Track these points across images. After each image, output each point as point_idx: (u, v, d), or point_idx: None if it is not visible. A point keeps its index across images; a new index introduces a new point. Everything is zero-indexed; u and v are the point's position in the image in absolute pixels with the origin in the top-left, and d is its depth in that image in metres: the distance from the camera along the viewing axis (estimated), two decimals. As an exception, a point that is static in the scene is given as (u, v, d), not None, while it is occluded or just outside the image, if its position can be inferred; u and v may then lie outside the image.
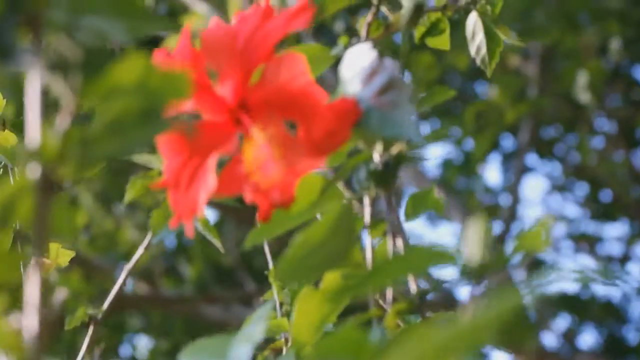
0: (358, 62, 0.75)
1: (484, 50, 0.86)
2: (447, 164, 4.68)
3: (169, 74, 0.48)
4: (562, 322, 4.78)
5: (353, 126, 0.71)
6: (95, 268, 4.51)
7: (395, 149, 0.75)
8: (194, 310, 4.22)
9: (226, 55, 0.71)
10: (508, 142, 4.56)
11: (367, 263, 0.78)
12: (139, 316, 4.91)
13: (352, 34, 0.82)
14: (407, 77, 4.31)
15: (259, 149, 0.70)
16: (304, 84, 0.71)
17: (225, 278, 4.61)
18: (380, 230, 0.80)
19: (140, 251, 0.85)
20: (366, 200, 0.80)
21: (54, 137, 0.45)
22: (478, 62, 0.87)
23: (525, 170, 4.15)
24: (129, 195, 0.82)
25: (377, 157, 0.76)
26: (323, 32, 3.72)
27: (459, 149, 4.62)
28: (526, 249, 0.53)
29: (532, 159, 4.56)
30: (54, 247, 0.98)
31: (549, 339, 4.44)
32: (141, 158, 0.81)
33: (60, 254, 0.98)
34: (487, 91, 3.98)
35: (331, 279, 0.77)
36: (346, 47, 0.80)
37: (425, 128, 4.70)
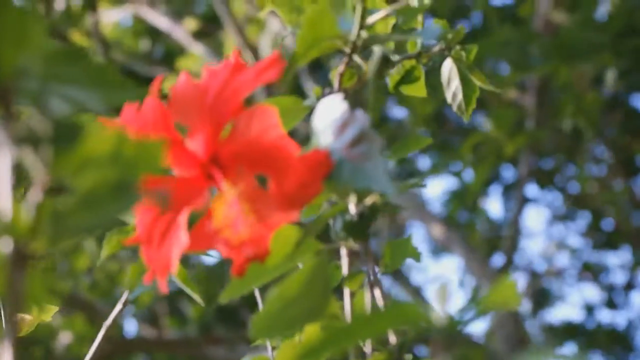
0: (330, 114, 0.74)
1: (460, 96, 0.86)
2: (450, 198, 4.68)
3: (143, 144, 0.48)
4: (569, 350, 4.76)
5: (325, 178, 0.70)
6: (99, 312, 4.50)
7: (369, 200, 0.74)
8: (199, 352, 4.21)
9: (196, 110, 0.70)
10: (508, 173, 4.56)
11: (345, 315, 0.77)
12: (144, 358, 4.90)
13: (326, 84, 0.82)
14: (403, 113, 4.32)
15: (228, 205, 0.70)
16: (276, 137, 0.70)
17: (229, 317, 4.60)
18: (358, 281, 0.79)
19: (118, 307, 0.84)
20: (343, 252, 0.80)
21: (26, 212, 0.44)
22: (454, 108, 0.87)
23: (525, 201, 4.13)
24: (105, 251, 0.81)
25: (352, 208, 0.75)
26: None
27: (460, 181, 4.62)
28: (495, 305, 0.52)
29: (532, 189, 4.56)
30: (35, 302, 0.97)
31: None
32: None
33: (44, 310, 0.97)
34: (486, 123, 3.97)
35: (311, 331, 0.77)
36: (319, 98, 0.79)
37: (425, 161, 4.71)
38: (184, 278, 0.83)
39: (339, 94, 0.78)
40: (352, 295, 0.80)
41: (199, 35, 4.21)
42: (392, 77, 0.84)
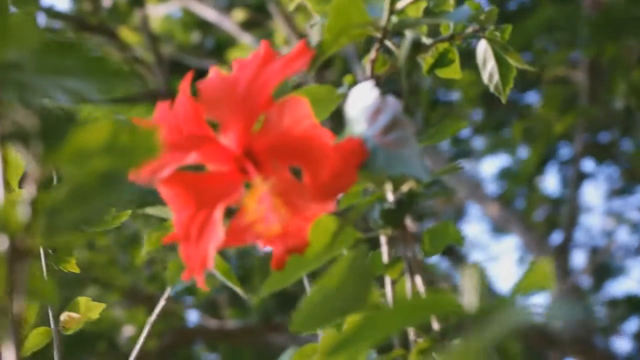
0: (362, 101, 0.74)
1: (496, 77, 0.85)
2: (505, 177, 4.64)
3: (138, 133, 0.47)
4: (633, 325, 4.72)
5: (360, 167, 0.70)
6: (136, 295, 4.54)
7: (405, 187, 0.74)
8: (260, 340, 4.23)
9: (227, 105, 0.70)
10: (564, 150, 4.52)
11: (387, 303, 0.77)
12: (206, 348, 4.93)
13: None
14: (453, 96, 4.30)
15: (260, 199, 0.69)
16: (308, 127, 0.70)
17: (290, 305, 4.61)
18: (399, 269, 0.78)
19: (161, 303, 0.85)
20: (383, 240, 0.79)
21: (18, 209, 0.44)
22: (492, 89, 0.85)
23: (582, 176, 4.09)
24: (146, 248, 0.81)
25: (390, 196, 0.75)
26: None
27: (514, 160, 4.59)
28: (530, 289, 0.51)
29: (589, 165, 4.51)
30: (83, 301, 0.98)
31: (620, 343, 4.38)
32: (154, 210, 0.81)
33: (90, 308, 0.98)
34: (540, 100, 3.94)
35: (353, 321, 0.76)
36: (351, 86, 0.79)
37: (480, 142, 4.68)
38: (225, 271, 0.83)
39: (370, 81, 0.77)
40: (394, 283, 0.79)
41: (248, 25, 4.21)
42: (426, 60, 0.83)
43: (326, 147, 0.69)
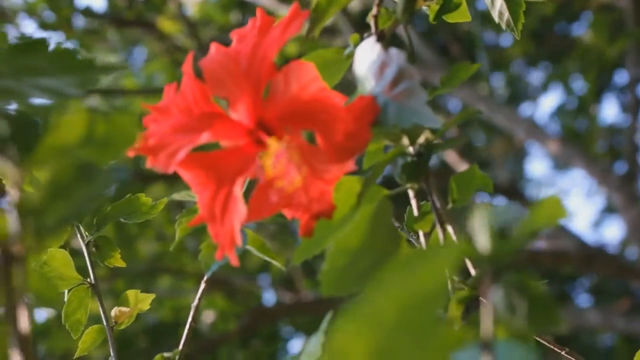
0: (367, 59, 0.73)
1: (506, 14, 0.83)
2: (562, 112, 4.59)
3: (115, 122, 0.47)
4: None
5: (373, 124, 0.69)
6: (236, 286, 4.58)
7: (422, 139, 0.73)
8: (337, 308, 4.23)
9: (232, 79, 0.69)
10: (620, 78, 4.45)
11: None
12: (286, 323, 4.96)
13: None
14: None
15: (277, 156, 0.69)
16: (316, 90, 0.69)
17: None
18: (429, 221, 0.78)
19: (202, 286, 0.85)
20: (411, 194, 0.79)
21: (3, 214, 0.44)
22: (504, 26, 0.84)
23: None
24: (179, 234, 0.81)
25: (410, 149, 0.74)
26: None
27: (571, 94, 4.53)
28: (541, 225, 0.50)
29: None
30: (132, 294, 0.99)
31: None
32: (180, 195, 0.81)
33: (140, 299, 0.99)
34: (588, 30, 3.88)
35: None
36: (356, 45, 0.78)
37: (538, 75, 4.63)
38: (259, 246, 0.83)
39: (372, 37, 0.76)
40: (427, 236, 0.79)
41: (285, -2, 4.20)
42: (431, 8, 0.82)
43: (337, 108, 0.69)
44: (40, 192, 0.44)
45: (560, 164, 4.84)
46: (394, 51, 0.70)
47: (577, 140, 4.31)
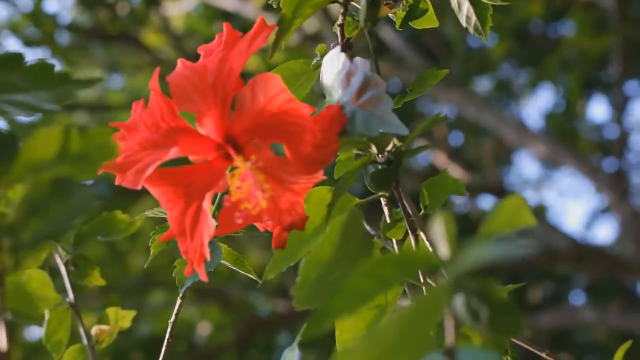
0: (333, 68, 0.73)
1: (473, 18, 0.83)
2: (550, 111, 4.60)
3: (91, 136, 0.47)
4: None
5: (341, 134, 0.69)
6: (229, 296, 4.57)
7: (390, 147, 0.73)
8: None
9: (199, 94, 0.69)
10: (606, 75, 4.45)
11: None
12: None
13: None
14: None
15: (242, 178, 0.69)
16: (283, 103, 0.69)
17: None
18: (402, 229, 0.77)
19: (178, 302, 0.84)
20: (383, 201, 0.78)
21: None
22: (471, 31, 0.84)
23: (627, 99, 4.03)
24: (153, 250, 0.81)
25: (379, 157, 0.74)
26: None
27: (557, 94, 4.54)
28: (501, 231, 0.50)
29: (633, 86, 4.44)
30: (112, 311, 0.98)
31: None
32: (152, 212, 0.81)
33: (121, 317, 0.98)
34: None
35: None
36: (323, 56, 0.78)
37: (520, 77, 4.63)
38: (233, 260, 0.82)
39: (337, 47, 0.76)
40: (400, 244, 0.79)
41: (270, 7, 4.19)
42: (397, 15, 0.81)
43: (305, 119, 0.69)
44: (15, 209, 0.44)
45: (550, 164, 4.84)
46: (358, 60, 0.70)
47: (566, 139, 4.31)
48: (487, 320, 0.49)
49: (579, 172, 3.83)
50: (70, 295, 0.97)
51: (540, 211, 4.55)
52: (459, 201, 4.58)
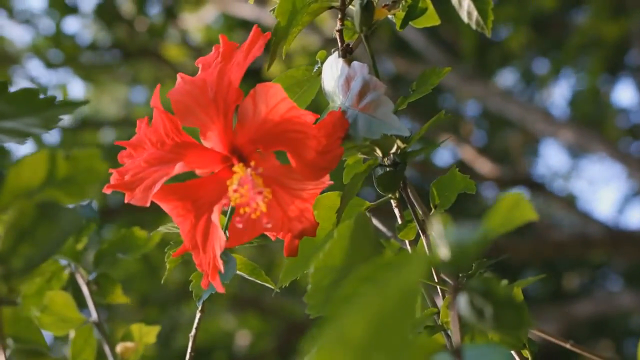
0: (333, 74, 0.73)
1: (475, 13, 0.83)
2: (575, 98, 4.57)
3: (78, 159, 0.47)
4: None
5: (344, 139, 0.69)
6: (267, 304, 4.57)
7: (394, 148, 0.73)
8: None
9: (200, 109, 0.69)
10: (630, 59, 4.42)
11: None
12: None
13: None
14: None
15: (241, 181, 0.69)
16: (286, 110, 0.69)
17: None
18: (413, 230, 0.77)
19: (197, 315, 0.84)
20: (393, 203, 0.78)
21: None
22: (473, 26, 0.83)
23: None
24: (169, 265, 0.81)
25: (385, 160, 0.74)
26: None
27: (580, 80, 4.51)
28: (501, 227, 0.50)
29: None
30: (136, 328, 0.99)
31: None
32: (165, 227, 0.81)
33: (145, 333, 0.99)
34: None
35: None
36: (323, 62, 0.78)
37: (542, 67, 4.61)
38: (249, 270, 0.82)
39: (335, 53, 0.76)
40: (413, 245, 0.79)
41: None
42: (397, 16, 0.81)
43: (308, 126, 0.69)
44: (3, 237, 0.44)
45: (579, 151, 4.81)
46: (356, 64, 0.70)
47: (594, 125, 4.28)
48: (491, 318, 0.49)
49: (609, 158, 3.81)
50: (94, 315, 0.98)
51: (571, 200, 4.52)
52: (492, 195, 4.56)
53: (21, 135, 0.51)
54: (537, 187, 4.14)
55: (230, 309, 4.52)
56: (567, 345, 0.84)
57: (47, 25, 4.08)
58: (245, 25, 4.51)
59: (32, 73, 4.20)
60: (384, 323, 0.42)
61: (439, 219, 0.51)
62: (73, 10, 4.01)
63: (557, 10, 4.17)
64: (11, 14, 4.04)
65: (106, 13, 4.02)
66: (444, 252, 0.50)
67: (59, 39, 3.95)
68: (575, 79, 4.49)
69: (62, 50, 3.96)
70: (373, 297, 0.42)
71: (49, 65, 3.96)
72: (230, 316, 4.67)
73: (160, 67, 4.18)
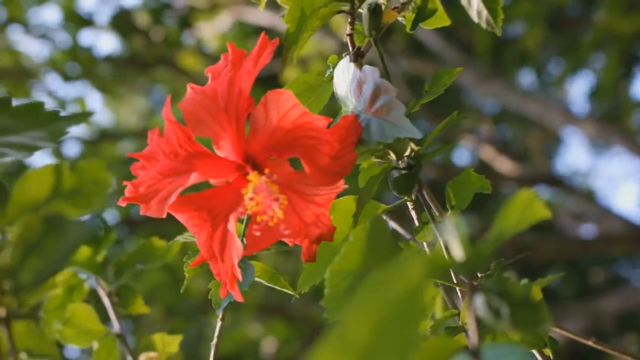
0: (345, 78, 0.73)
1: (484, 12, 0.83)
2: (593, 93, 4.56)
3: (84, 171, 0.47)
4: None
5: (357, 143, 0.69)
6: (293, 311, 4.57)
7: (408, 151, 0.73)
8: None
9: (212, 117, 0.69)
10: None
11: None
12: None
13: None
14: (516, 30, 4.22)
15: (255, 191, 0.69)
16: (297, 117, 0.69)
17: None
18: (430, 231, 0.77)
19: (218, 324, 0.85)
20: (410, 205, 0.78)
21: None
22: (483, 25, 0.83)
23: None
24: (188, 276, 0.81)
25: (399, 163, 0.74)
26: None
27: (597, 76, 4.49)
28: (514, 227, 0.50)
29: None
30: (159, 338, 0.99)
31: None
32: (182, 237, 0.81)
33: (168, 342, 0.99)
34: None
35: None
36: (334, 67, 0.78)
37: (559, 64, 4.60)
38: (269, 277, 0.82)
39: (346, 57, 0.76)
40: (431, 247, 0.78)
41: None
42: (406, 18, 0.81)
43: (321, 131, 0.69)
44: (10, 252, 0.44)
45: (599, 146, 4.79)
46: (367, 68, 0.70)
47: (612, 120, 4.26)
48: (508, 317, 0.49)
49: (628, 152, 3.79)
50: (116, 326, 0.99)
51: (591, 196, 4.50)
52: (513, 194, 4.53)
53: (27, 149, 0.51)
54: (558, 185, 4.13)
55: (257, 318, 4.53)
56: (590, 342, 0.84)
57: (63, 38, 4.10)
58: (260, 32, 4.52)
59: (50, 87, 4.23)
60: (386, 326, 0.41)
61: (452, 219, 0.50)
62: (89, 22, 4.02)
63: (571, 7, 4.16)
64: (27, 29, 4.06)
65: (121, 24, 4.04)
66: (457, 253, 0.50)
67: (75, 51, 3.97)
68: (592, 75, 4.47)
69: (79, 63, 3.97)
70: (373, 300, 0.41)
71: (67, 78, 3.98)
72: (257, 324, 4.67)
73: (177, 76, 4.19)
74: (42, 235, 0.45)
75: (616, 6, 3.39)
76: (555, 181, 4.13)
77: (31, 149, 0.51)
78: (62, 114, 0.52)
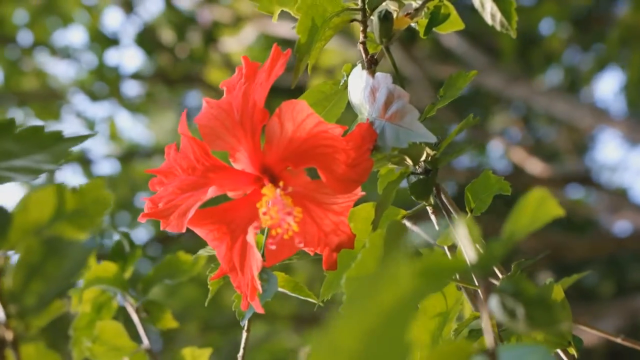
0: (358, 86, 0.73)
1: (498, 15, 0.83)
2: (623, 90, 4.53)
3: (86, 192, 0.48)
4: None
5: (373, 150, 0.69)
6: (303, 318, 4.58)
7: (424, 156, 0.73)
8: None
9: (228, 131, 0.70)
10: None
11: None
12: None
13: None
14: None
15: (272, 202, 0.69)
16: (313, 126, 0.69)
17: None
18: (450, 235, 0.77)
19: (244, 336, 0.85)
20: (429, 210, 0.78)
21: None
22: (498, 28, 0.83)
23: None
24: (212, 289, 0.82)
25: (416, 168, 0.74)
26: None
27: (624, 72, 4.47)
28: (527, 227, 0.50)
29: None
30: (189, 352, 0.99)
31: None
32: (204, 250, 0.81)
33: (197, 356, 0.99)
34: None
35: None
36: (348, 75, 0.78)
37: (585, 62, 4.57)
38: (292, 287, 0.83)
39: (359, 65, 0.76)
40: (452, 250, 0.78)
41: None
42: (420, 23, 0.81)
43: (336, 140, 0.69)
44: (14, 276, 0.45)
45: (631, 143, 4.76)
46: (380, 75, 0.70)
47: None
48: (523, 318, 0.49)
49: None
50: (146, 341, 0.99)
51: (623, 193, 4.47)
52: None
53: (32, 173, 0.52)
54: (591, 183, 4.11)
55: (293, 328, 4.54)
56: (618, 340, 0.83)
57: (89, 59, 4.13)
58: (285, 44, 4.52)
59: (78, 107, 4.26)
60: (375, 333, 0.41)
61: (464, 222, 0.50)
62: (114, 42, 4.05)
63: (596, 5, 4.14)
64: (53, 51, 4.09)
65: (147, 42, 4.06)
66: (470, 255, 0.50)
67: (102, 71, 3.99)
68: (619, 72, 4.44)
69: (106, 83, 4.00)
70: (362, 308, 0.41)
71: (94, 98, 4.01)
72: (293, 335, 4.67)
73: (205, 91, 4.21)
74: (43, 258, 0.45)
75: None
76: (588, 180, 4.10)
77: (35, 172, 0.52)
78: (64, 135, 0.53)
